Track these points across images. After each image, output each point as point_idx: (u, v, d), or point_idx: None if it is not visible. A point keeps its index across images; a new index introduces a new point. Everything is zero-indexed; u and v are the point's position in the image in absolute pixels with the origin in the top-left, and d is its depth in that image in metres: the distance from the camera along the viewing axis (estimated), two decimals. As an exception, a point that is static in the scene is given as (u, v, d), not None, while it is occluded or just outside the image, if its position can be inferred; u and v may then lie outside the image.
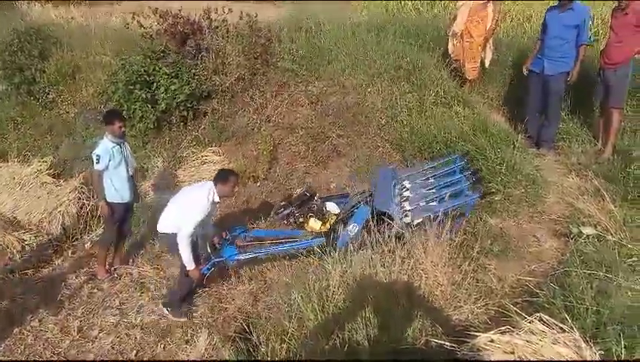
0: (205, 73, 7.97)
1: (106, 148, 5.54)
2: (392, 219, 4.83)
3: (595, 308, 3.56)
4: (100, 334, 5.33)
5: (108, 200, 5.68)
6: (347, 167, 6.94)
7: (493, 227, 5.17)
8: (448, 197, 5.10)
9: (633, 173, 5.47)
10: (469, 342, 3.32)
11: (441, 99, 7.17)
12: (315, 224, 5.68)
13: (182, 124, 7.83)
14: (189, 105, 7.71)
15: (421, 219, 4.88)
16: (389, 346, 3.43)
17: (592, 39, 7.03)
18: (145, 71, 7.59)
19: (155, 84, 7.58)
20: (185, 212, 4.93)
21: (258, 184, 7.03)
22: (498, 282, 4.46)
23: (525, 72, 6.70)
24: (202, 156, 7.58)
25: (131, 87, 7.52)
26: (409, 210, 5.07)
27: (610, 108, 6.22)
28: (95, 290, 5.97)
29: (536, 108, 6.64)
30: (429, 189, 5.39)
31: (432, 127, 6.72)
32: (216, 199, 5.06)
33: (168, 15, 8.24)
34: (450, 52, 7.84)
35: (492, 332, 3.31)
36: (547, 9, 6.53)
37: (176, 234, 4.91)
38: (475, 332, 3.43)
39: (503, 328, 3.32)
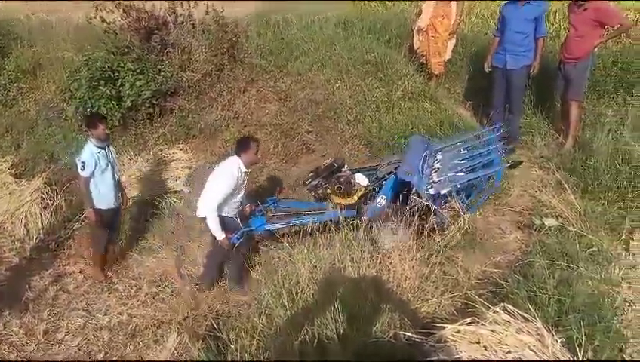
0: (171, 69, 7.86)
1: (91, 153, 5.35)
2: (416, 191, 4.83)
3: (556, 297, 3.66)
4: (67, 336, 5.23)
5: (95, 206, 5.52)
6: (317, 162, 6.95)
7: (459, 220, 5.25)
8: (478, 168, 5.13)
9: (593, 166, 5.63)
10: (435, 334, 3.38)
11: (409, 94, 7.24)
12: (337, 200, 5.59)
13: (148, 121, 7.70)
14: (155, 101, 7.60)
15: (447, 190, 4.91)
16: (358, 340, 3.46)
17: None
18: (109, 67, 7.44)
19: (119, 80, 7.44)
20: (211, 187, 4.99)
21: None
22: (464, 274, 4.54)
23: (487, 69, 6.81)
24: (170, 153, 7.49)
25: (95, 84, 7.37)
26: (435, 182, 5.05)
27: (571, 102, 6.38)
28: (61, 292, 5.85)
29: (500, 103, 6.76)
30: (461, 160, 5.36)
31: (400, 122, 6.78)
32: (244, 169, 5.08)
33: (132, 10, 8.08)
34: (415, 47, 7.91)
35: (458, 323, 3.38)
36: (504, 4, 6.63)
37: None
38: (442, 323, 3.49)
39: (469, 319, 3.39)
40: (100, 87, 7.35)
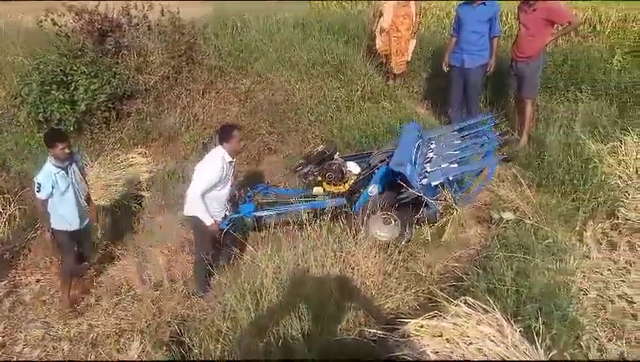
0: (127, 72, 7.70)
1: (48, 174, 4.88)
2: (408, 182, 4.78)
3: (515, 288, 3.75)
4: (25, 349, 5.08)
5: (53, 226, 5.14)
6: (280, 163, 6.95)
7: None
8: (472, 159, 5.15)
9: (547, 160, 5.81)
10: (399, 329, 3.42)
11: (368, 94, 7.32)
12: (318, 190, 5.54)
13: (104, 125, 7.52)
14: (110, 105, 7.43)
15: (439, 182, 4.90)
16: (323, 339, 3.47)
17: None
18: (61, 70, 7.24)
19: (73, 84, 7.24)
20: (195, 179, 4.88)
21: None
22: (427, 269, 4.61)
23: (446, 68, 6.95)
24: (128, 158, 7.34)
25: (47, 88, 7.14)
26: (428, 172, 5.02)
27: (525, 99, 6.57)
28: (17, 303, 5.66)
29: (458, 101, 6.90)
30: (455, 150, 5.32)
31: (361, 122, 6.85)
32: (228, 159, 4.94)
33: (84, 12, 7.88)
34: (377, 47, 7.99)
35: (421, 317, 3.43)
36: (459, 5, 6.79)
37: (196, 216, 4.94)
38: (406, 318, 3.54)
39: (432, 313, 3.44)
40: (53, 92, 7.14)
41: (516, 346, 3.16)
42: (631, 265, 4.57)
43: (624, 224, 5.01)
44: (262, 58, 8.14)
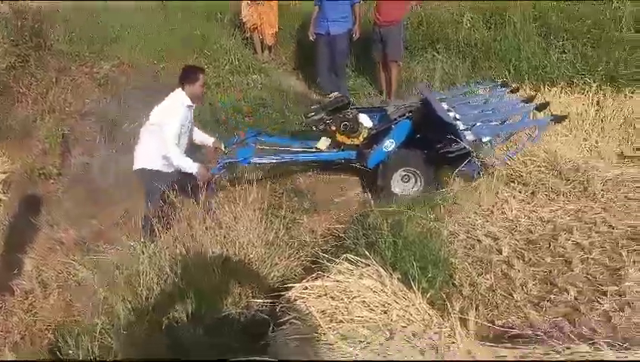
0: (-35, 65, 6.85)
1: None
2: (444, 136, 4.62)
3: (391, 240, 3.90)
4: None
5: None
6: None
7: (299, 184, 5.37)
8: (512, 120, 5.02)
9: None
10: (285, 295, 3.41)
11: (236, 68, 7.17)
12: (324, 142, 5.22)
13: (-56, 126, 6.66)
14: (-52, 103, 6.58)
15: (488, 138, 4.76)
16: (209, 317, 3.38)
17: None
18: None
19: None
20: (161, 126, 4.43)
21: (52, 181, 6.32)
22: (310, 234, 4.66)
23: (312, 37, 6.99)
24: (-22, 160, 6.56)
25: None
26: (464, 129, 4.76)
27: (390, 63, 6.82)
28: None
29: (325, 68, 7.00)
30: (481, 111, 5.13)
31: (232, 97, 6.71)
32: (187, 103, 4.52)
33: None
34: (244, 20, 7.84)
35: (305, 280, 3.45)
36: None
37: (152, 169, 4.49)
38: (292, 284, 3.54)
39: (315, 274, 3.47)
40: None
41: (395, 293, 3.29)
42: (493, 206, 4.96)
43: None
44: (120, 40, 7.63)
